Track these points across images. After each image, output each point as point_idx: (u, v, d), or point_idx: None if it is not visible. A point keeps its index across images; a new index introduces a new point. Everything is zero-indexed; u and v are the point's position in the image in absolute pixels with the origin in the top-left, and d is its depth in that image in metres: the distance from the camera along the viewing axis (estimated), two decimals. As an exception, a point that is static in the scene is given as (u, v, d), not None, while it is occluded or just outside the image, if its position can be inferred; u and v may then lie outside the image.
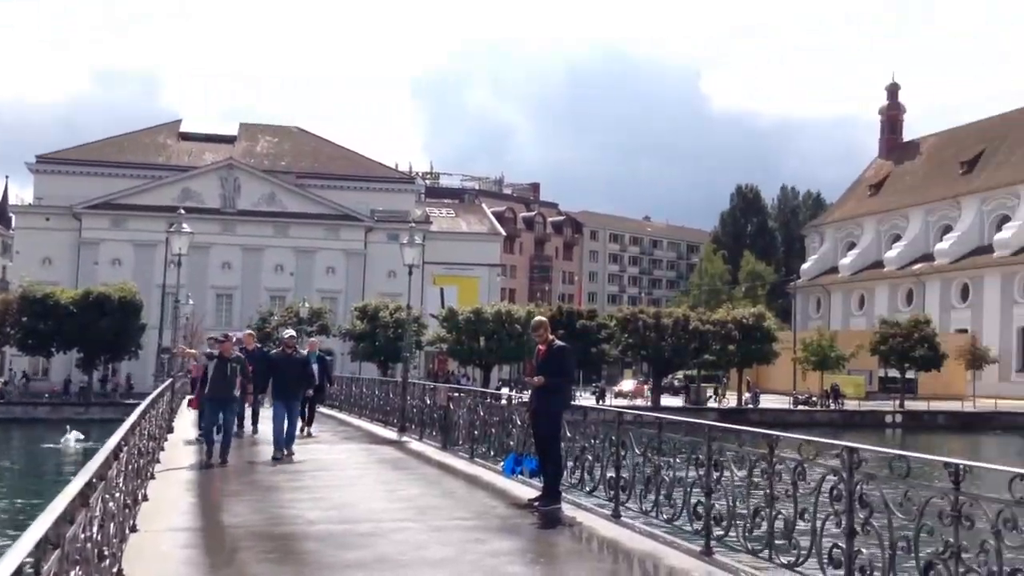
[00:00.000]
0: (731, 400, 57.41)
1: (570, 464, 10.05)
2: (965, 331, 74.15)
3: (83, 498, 4.34)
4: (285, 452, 13.91)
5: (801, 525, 6.29)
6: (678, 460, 8.12)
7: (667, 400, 55.70)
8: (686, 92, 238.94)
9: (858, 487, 5.69)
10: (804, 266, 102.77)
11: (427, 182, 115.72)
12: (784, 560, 6.36)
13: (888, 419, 53.68)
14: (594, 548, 7.95)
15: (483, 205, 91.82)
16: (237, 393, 13.60)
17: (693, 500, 7.61)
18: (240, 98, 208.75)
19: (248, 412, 17.51)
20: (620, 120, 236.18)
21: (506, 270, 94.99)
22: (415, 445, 16.36)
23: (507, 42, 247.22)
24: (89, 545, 4.48)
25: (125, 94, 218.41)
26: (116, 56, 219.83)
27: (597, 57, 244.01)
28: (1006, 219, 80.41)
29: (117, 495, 6.23)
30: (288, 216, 70.00)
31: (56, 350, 53.00)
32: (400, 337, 31.51)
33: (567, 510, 9.31)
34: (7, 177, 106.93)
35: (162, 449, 14.20)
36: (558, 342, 9.89)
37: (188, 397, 19.35)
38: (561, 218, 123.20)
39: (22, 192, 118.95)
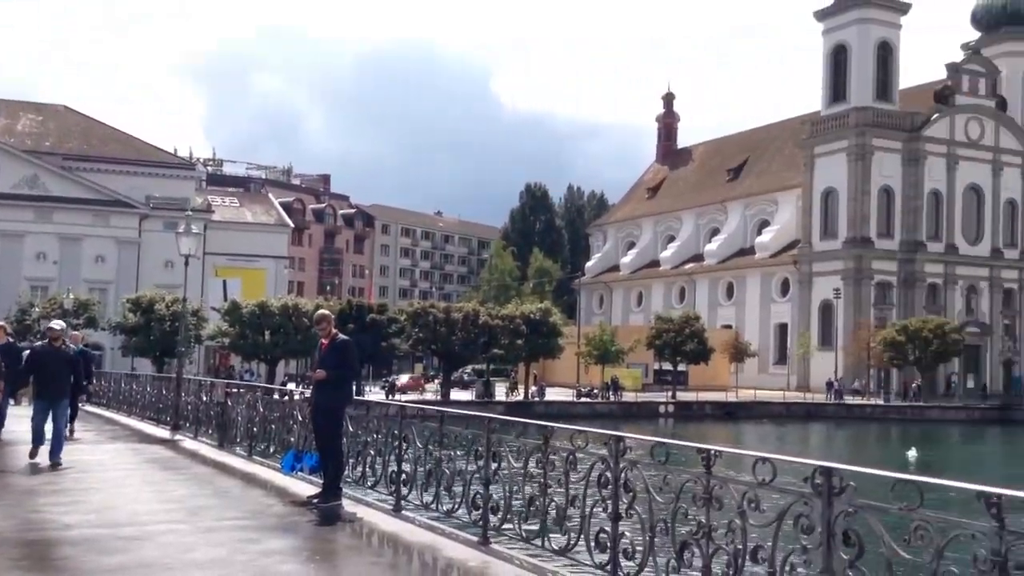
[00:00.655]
0: (519, 393, 58.81)
1: (352, 460, 9.93)
2: (730, 327, 79.83)
3: None
4: (52, 461, 12.26)
5: (572, 512, 6.51)
6: (459, 453, 8.21)
7: (458, 394, 56.29)
8: (478, 90, 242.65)
9: (623, 474, 5.96)
10: (588, 264, 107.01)
11: (209, 169, 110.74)
12: (556, 546, 6.57)
13: (662, 409, 56.87)
14: (374, 543, 7.90)
15: (270, 195, 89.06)
16: None
17: (472, 491, 7.71)
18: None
19: None
20: (414, 114, 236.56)
21: (294, 262, 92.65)
22: (189, 444, 15.61)
23: (294, 26, 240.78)
24: None
25: None
26: None
27: (390, 48, 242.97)
28: (766, 223, 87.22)
29: None
30: (52, 200, 64.90)
31: None
32: (177, 331, 29.96)
33: (348, 506, 9.19)
34: None
35: None
36: (341, 336, 9.76)
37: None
38: (352, 211, 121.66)
39: None
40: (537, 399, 56.24)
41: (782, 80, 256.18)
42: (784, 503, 4.77)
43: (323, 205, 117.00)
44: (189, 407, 17.12)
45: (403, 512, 8.73)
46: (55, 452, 12.38)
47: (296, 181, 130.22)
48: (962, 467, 37.42)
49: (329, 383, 9.43)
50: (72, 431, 16.06)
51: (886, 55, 77.30)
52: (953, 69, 78.96)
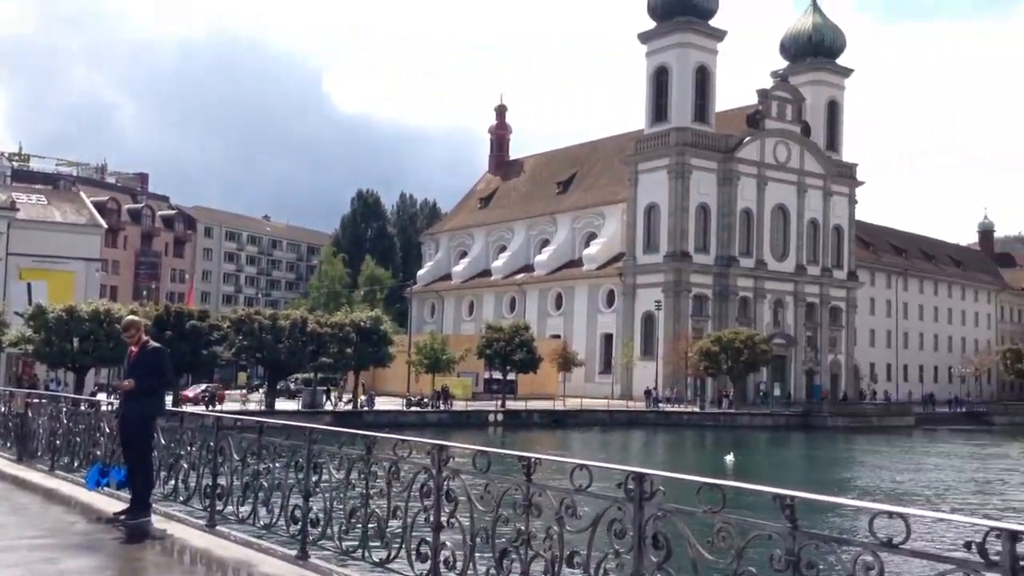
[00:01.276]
0: (348, 403, 57.90)
1: (164, 473, 9.46)
2: (558, 336, 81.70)
3: None
4: None
5: (394, 523, 6.44)
6: (279, 465, 7.97)
7: (284, 404, 54.78)
8: (310, 89, 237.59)
9: (446, 483, 5.96)
10: (420, 272, 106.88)
11: (14, 164, 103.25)
12: (377, 558, 6.48)
13: (491, 418, 57.48)
14: (185, 560, 7.53)
15: (81, 193, 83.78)
16: None
17: (292, 504, 7.50)
18: None
19: None
20: (239, 112, 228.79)
21: (108, 265, 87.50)
22: (-17, 459, 14.41)
23: (108, 12, 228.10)
24: None
25: None
26: None
27: (213, 40, 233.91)
28: (593, 236, 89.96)
29: None
30: None
31: None
32: (-27, 337, 27.75)
33: (158, 522, 8.73)
34: None
35: None
36: (152, 343, 9.29)
37: None
38: (172, 212, 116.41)
39: None
40: (366, 408, 55.55)
41: (612, 96, 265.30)
42: (600, 508, 4.89)
43: (140, 205, 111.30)
44: (-17, 420, 15.79)
45: (218, 527, 8.38)
46: None
47: (111, 179, 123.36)
48: (773, 471, 39.82)
49: (138, 393, 8.96)
50: None
51: (704, 79, 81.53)
52: (763, 95, 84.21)
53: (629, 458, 43.38)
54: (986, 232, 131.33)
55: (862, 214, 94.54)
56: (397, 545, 6.29)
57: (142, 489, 8.91)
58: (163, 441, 9.47)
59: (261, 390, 60.46)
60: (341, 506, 7.00)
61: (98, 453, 10.88)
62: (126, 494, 9.36)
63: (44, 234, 66.18)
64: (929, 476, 37.61)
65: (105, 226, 77.18)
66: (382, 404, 58.26)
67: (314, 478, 7.29)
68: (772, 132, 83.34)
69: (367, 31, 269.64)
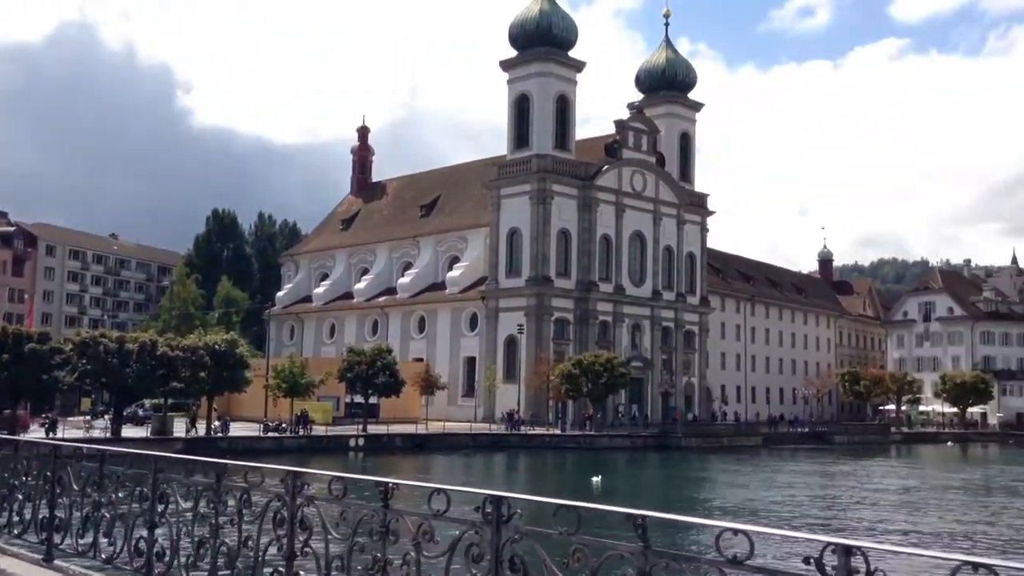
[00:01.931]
0: (201, 429, 55.70)
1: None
2: (421, 360, 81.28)
3: None
4: None
5: (246, 553, 6.22)
6: (122, 495, 7.58)
7: (131, 431, 52.17)
8: (164, 104, 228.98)
9: (300, 511, 5.80)
10: (279, 294, 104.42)
11: None
12: (227, 591, 6.23)
13: (352, 443, 56.48)
14: (17, 599, 7.04)
15: (-90, 207, 78.05)
16: None
17: (136, 536, 7.14)
18: None
19: None
20: (87, 126, 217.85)
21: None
22: None
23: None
24: None
25: None
26: None
27: (55, 51, 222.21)
28: (456, 260, 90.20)
29: None
30: None
31: None
32: None
33: (-12, 559, 8.13)
34: None
35: None
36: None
37: None
38: (11, 229, 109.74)
39: None
40: (220, 435, 53.59)
41: (475, 121, 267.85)
42: (457, 532, 4.86)
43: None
44: None
45: (55, 562, 7.88)
46: None
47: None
48: (637, 491, 40.78)
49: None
50: None
51: (564, 107, 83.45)
52: (620, 125, 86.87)
53: (492, 481, 43.50)
54: (825, 261, 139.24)
55: (713, 242, 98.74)
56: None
57: (-31, 524, 8.29)
58: (-8, 472, 8.87)
59: (107, 416, 57.47)
60: (189, 537, 6.71)
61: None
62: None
63: None
64: (778, 493, 39.30)
65: (-66, 242, 72.03)
66: (237, 430, 56.36)
67: (160, 508, 6.96)
68: (629, 161, 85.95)
69: (226, 46, 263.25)
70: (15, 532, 8.64)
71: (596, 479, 39.05)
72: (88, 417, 58.86)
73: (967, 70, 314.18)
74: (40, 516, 8.28)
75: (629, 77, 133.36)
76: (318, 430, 58.26)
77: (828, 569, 3.41)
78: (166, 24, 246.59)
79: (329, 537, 5.59)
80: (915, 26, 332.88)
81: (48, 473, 8.30)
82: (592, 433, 67.37)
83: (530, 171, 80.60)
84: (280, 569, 5.82)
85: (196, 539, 6.57)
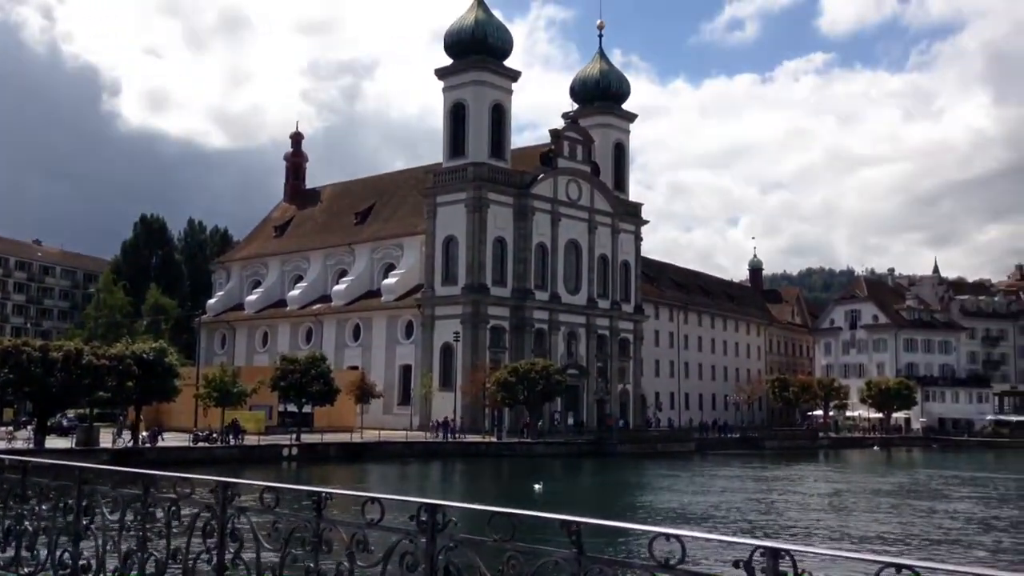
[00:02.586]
0: (128, 439, 54.31)
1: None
2: (356, 368, 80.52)
3: None
4: None
5: (175, 566, 6.09)
6: (45, 507, 7.36)
7: (55, 442, 50.60)
8: (89, 108, 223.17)
9: (230, 522, 5.70)
10: (210, 302, 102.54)
11: None
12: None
13: (285, 452, 55.61)
14: (-69, 619, 6.78)
15: None
16: None
17: (60, 549, 6.93)
18: None
19: None
20: (7, 127, 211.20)
21: None
22: None
23: None
24: None
25: None
26: None
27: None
28: (392, 267, 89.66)
29: None
30: None
31: None
32: None
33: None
34: None
35: None
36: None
37: None
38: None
39: None
40: (149, 445, 52.33)
41: (411, 128, 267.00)
42: (392, 542, 4.83)
43: None
44: None
45: (-27, 579, 7.61)
46: None
47: None
48: (578, 497, 40.99)
49: None
50: None
51: (500, 116, 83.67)
52: (555, 135, 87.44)
53: (428, 490, 43.27)
54: (755, 270, 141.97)
55: (647, 251, 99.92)
56: (178, 590, 5.94)
57: None
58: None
59: (30, 427, 55.70)
60: (116, 550, 6.54)
61: None
62: None
63: None
64: (711, 498, 39.86)
65: None
66: (168, 440, 55.09)
67: (86, 521, 6.78)
68: (564, 171, 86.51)
69: (155, 47, 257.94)
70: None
71: (538, 486, 39.15)
72: (10, 428, 56.89)
73: (891, 84, 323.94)
74: (-43, 531, 7.98)
75: (564, 87, 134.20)
76: (250, 440, 57.24)
77: (757, 572, 3.48)
78: (92, 24, 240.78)
79: (261, 548, 5.50)
80: (841, 41, 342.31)
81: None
82: (528, 440, 67.53)
83: (466, 179, 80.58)
84: (210, 581, 5.72)
85: (123, 551, 6.41)
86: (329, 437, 60.19)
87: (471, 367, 74.95)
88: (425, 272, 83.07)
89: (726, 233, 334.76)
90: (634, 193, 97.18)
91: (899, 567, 3.24)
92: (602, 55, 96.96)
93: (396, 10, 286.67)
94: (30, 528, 7.33)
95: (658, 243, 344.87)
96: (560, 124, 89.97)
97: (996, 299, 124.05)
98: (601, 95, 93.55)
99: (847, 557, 3.73)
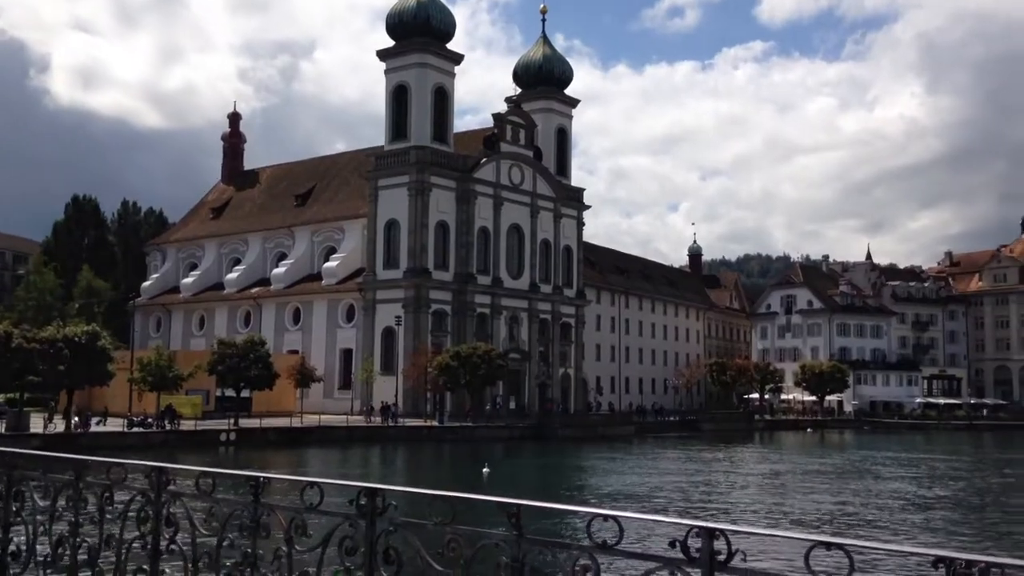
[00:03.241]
0: (60, 425, 53.10)
1: None
2: (296, 352, 79.75)
3: None
4: None
5: (108, 553, 5.98)
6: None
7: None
8: (14, 81, 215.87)
9: (166, 507, 5.62)
10: (145, 284, 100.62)
11: None
12: (88, 591, 5.98)
13: (223, 437, 54.93)
14: None
15: None
16: None
17: (-12, 539, 6.75)
18: None
19: None
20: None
21: None
22: None
23: None
24: None
25: None
26: None
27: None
28: (333, 251, 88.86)
29: None
30: None
31: None
32: None
33: None
34: None
35: None
36: None
37: None
38: None
39: None
40: (81, 431, 51.21)
41: (352, 111, 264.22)
42: (331, 526, 4.81)
43: None
44: None
45: None
46: None
47: None
48: (523, 481, 41.24)
49: None
50: None
51: (442, 99, 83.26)
52: (498, 119, 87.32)
53: (370, 475, 43.12)
54: (695, 255, 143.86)
55: (589, 236, 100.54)
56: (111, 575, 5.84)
57: None
58: None
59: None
60: (47, 536, 6.40)
61: None
62: None
63: None
64: (651, 480, 40.42)
65: None
66: (101, 425, 54.00)
67: (15, 507, 6.61)
68: (507, 155, 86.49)
69: (86, 26, 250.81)
70: None
71: (486, 469, 39.29)
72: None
73: (827, 73, 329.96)
74: None
75: (507, 71, 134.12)
76: (186, 425, 56.42)
77: (692, 551, 3.54)
78: (23, 4, 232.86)
79: (197, 533, 5.43)
80: (779, 29, 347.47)
81: None
82: (470, 424, 67.64)
83: (409, 163, 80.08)
84: (144, 567, 5.62)
85: (55, 538, 6.28)
86: (268, 422, 59.59)
87: (413, 351, 74.75)
88: (367, 256, 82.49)
89: (666, 219, 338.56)
90: (576, 178, 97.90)
91: (829, 545, 3.32)
92: (545, 39, 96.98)
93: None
94: (-46, 517, 7.13)
95: (600, 228, 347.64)
96: (503, 108, 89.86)
97: (926, 285, 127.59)
98: (544, 80, 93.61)
99: (780, 536, 3.82)
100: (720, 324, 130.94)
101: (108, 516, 5.99)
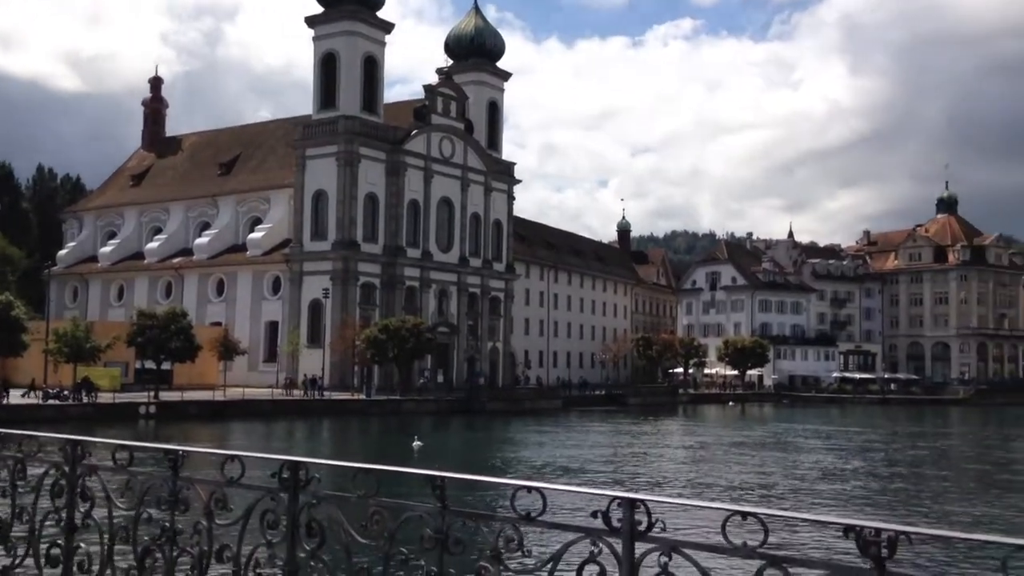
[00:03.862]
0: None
1: None
2: (220, 324, 78.34)
3: None
4: None
5: (20, 527, 5.82)
6: None
7: None
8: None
9: (80, 480, 5.48)
10: (61, 253, 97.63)
11: None
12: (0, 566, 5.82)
13: (143, 410, 53.78)
14: None
15: None
16: None
17: None
18: None
19: None
20: None
21: None
22: None
23: None
24: None
25: None
26: None
27: None
28: (258, 221, 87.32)
29: None
30: None
31: None
32: None
33: None
34: None
35: None
36: None
37: None
38: None
39: None
40: (-6, 403, 49.56)
41: (278, 77, 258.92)
42: (253, 499, 4.75)
43: None
44: None
45: None
46: None
47: None
48: (451, 453, 41.30)
49: None
50: None
51: (372, 69, 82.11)
52: (429, 90, 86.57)
53: (295, 448, 42.73)
54: (623, 232, 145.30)
55: (519, 211, 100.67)
56: (23, 550, 5.69)
57: None
58: None
59: None
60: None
61: None
62: None
63: None
64: (577, 453, 40.94)
65: None
66: (15, 398, 52.36)
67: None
68: (438, 127, 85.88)
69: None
70: None
71: (417, 443, 39.28)
72: None
73: (754, 53, 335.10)
74: None
75: (438, 42, 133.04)
76: (104, 397, 55.05)
77: (614, 522, 3.59)
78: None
79: (113, 507, 5.31)
80: (708, 8, 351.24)
81: None
82: (398, 398, 67.46)
83: (337, 132, 78.94)
84: (59, 542, 5.49)
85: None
86: (190, 395, 58.53)
87: (340, 324, 74.12)
88: (293, 227, 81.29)
89: (596, 194, 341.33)
90: (507, 152, 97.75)
91: (745, 515, 3.41)
92: (477, 11, 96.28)
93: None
94: None
95: (530, 202, 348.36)
96: (434, 80, 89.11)
97: (844, 263, 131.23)
98: (476, 52, 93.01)
99: (698, 506, 3.91)
100: (647, 299, 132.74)
101: (20, 490, 5.83)
